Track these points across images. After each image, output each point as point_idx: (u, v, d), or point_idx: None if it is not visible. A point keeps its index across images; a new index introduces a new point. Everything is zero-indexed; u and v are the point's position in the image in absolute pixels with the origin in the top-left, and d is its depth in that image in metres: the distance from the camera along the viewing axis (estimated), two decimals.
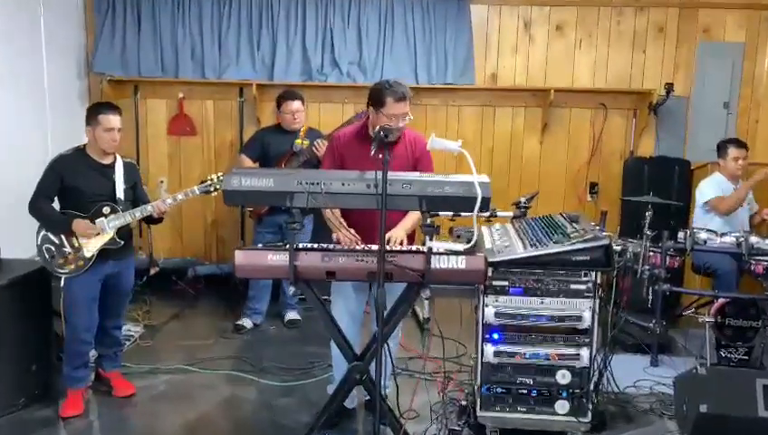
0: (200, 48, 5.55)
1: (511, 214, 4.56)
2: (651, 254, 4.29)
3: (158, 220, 3.58)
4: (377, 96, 3.12)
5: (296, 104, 4.61)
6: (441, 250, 2.65)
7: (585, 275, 3.01)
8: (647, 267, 4.22)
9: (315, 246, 2.84)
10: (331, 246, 2.85)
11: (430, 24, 5.49)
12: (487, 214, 2.98)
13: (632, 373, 3.96)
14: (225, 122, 5.77)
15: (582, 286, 3.02)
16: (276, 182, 2.48)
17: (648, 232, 4.22)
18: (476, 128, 5.74)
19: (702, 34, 5.58)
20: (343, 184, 2.48)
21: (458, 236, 4.70)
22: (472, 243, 2.62)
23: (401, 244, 3.02)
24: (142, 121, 5.78)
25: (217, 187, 3.56)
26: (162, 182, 5.65)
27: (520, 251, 3.02)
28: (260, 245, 2.97)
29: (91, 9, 5.59)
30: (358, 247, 2.82)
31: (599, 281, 3.04)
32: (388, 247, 2.91)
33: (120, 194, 3.50)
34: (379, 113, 3.10)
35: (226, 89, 5.68)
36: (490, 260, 2.92)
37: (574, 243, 2.93)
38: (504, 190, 5.65)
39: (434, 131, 2.83)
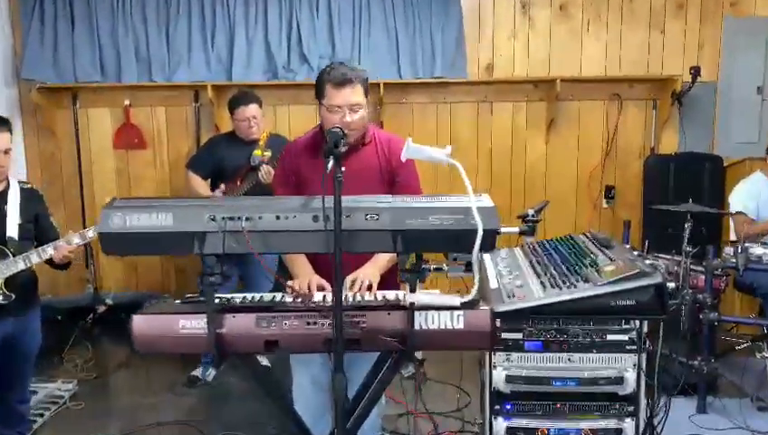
0: (145, 46, 4.75)
1: (516, 229, 3.78)
2: (691, 274, 3.49)
3: (64, 266, 2.77)
4: (317, 85, 2.35)
5: (251, 109, 3.81)
6: (428, 303, 1.84)
7: (627, 321, 2.22)
8: (688, 292, 3.42)
9: (251, 298, 2.04)
10: (278, 298, 2.06)
11: (413, 10, 4.69)
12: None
13: (675, 424, 3.16)
14: (179, 131, 4.97)
15: (623, 337, 2.22)
16: (178, 219, 1.67)
17: (688, 248, 3.42)
18: (471, 127, 4.94)
19: (729, 8, 4.78)
20: (278, 217, 1.67)
21: (454, 258, 3.92)
22: (472, 295, 1.80)
23: (369, 289, 2.22)
24: (83, 134, 4.98)
25: None
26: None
27: (538, 294, 2.20)
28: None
29: (17, 7, 4.79)
30: (312, 301, 2.02)
31: (645, 330, 2.24)
32: (351, 298, 2.12)
33: (11, 232, 2.69)
34: (323, 108, 2.33)
35: (179, 93, 4.88)
36: (499, 310, 2.11)
37: (613, 282, 2.13)
38: (505, 200, 4.86)
39: (410, 136, 2.02)
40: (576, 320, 2.23)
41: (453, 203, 1.71)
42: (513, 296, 2.23)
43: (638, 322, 2.22)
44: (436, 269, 3.85)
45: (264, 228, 1.68)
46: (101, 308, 4.68)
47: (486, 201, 1.72)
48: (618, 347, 2.23)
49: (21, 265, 2.63)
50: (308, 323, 1.83)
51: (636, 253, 2.47)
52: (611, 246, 2.50)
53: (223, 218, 1.66)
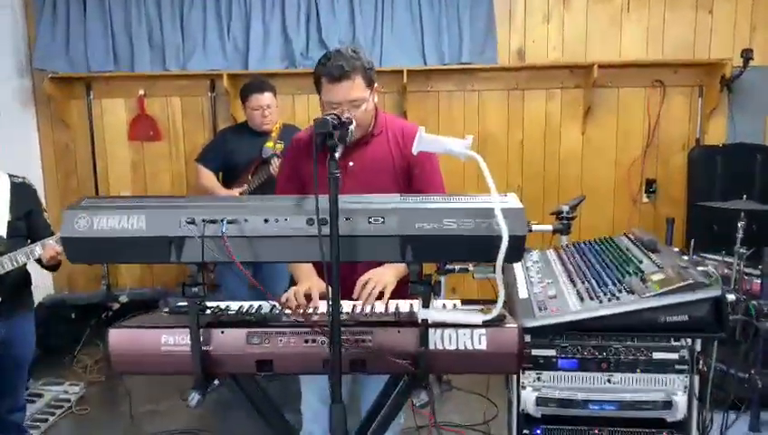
0: (159, 33, 4.55)
1: (550, 227, 3.50)
2: (746, 278, 3.16)
3: (53, 267, 2.58)
4: (314, 78, 2.11)
5: (266, 97, 3.59)
6: (445, 320, 1.58)
7: (676, 338, 1.93)
8: (740, 297, 3.09)
9: (248, 308, 1.81)
10: (274, 310, 1.82)
11: None
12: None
13: None
14: (195, 122, 4.77)
15: (672, 356, 1.93)
16: (152, 222, 1.44)
17: (741, 249, 3.09)
18: (501, 117, 4.63)
19: None
20: (267, 220, 1.43)
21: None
22: (495, 312, 1.53)
23: (381, 297, 1.97)
24: (97, 126, 4.81)
25: None
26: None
27: (575, 307, 1.92)
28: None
29: None
30: (309, 313, 1.77)
31: (698, 348, 1.94)
32: (357, 310, 1.87)
33: (1, 229, 2.51)
34: (322, 102, 2.09)
35: (194, 82, 4.67)
36: (529, 325, 1.84)
37: (663, 294, 1.83)
38: (537, 196, 4.55)
39: (436, 126, 1.76)
40: (617, 335, 1.94)
41: (473, 204, 1.44)
42: (546, 309, 1.95)
43: (689, 339, 1.92)
44: (462, 270, 3.60)
45: (251, 233, 1.43)
46: (115, 306, 4.51)
47: (513, 202, 1.44)
48: (666, 367, 1.94)
49: (8, 266, 2.45)
50: (306, 341, 1.59)
51: (686, 258, 2.17)
52: (657, 249, 2.20)
53: (203, 221, 1.42)
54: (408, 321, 1.62)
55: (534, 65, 4.53)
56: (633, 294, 1.89)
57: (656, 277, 1.94)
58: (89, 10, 4.53)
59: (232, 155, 3.63)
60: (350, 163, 2.20)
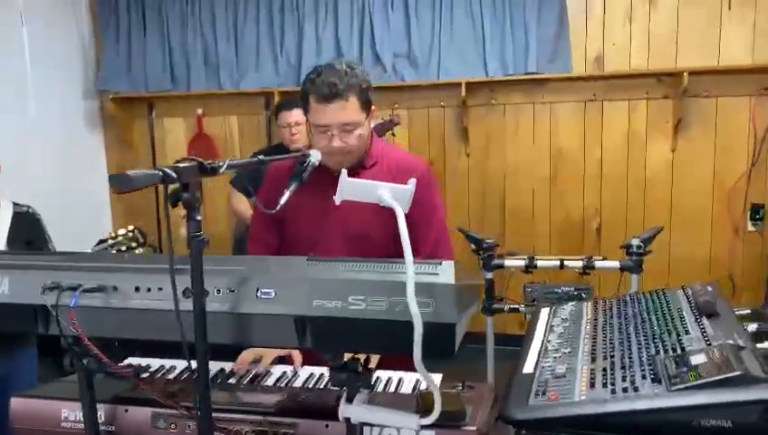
0: (214, 52, 4.46)
1: (616, 264, 3.00)
2: None
3: None
4: (300, 95, 1.79)
5: (293, 114, 3.34)
6: (373, 422, 1.21)
7: None
8: None
9: (180, 371, 1.54)
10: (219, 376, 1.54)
11: None
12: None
13: None
14: (252, 141, 4.64)
15: None
16: (15, 285, 1.20)
17: None
18: (577, 132, 4.11)
19: None
20: (138, 289, 1.14)
21: (532, 300, 3.18)
22: (433, 417, 1.13)
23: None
24: (159, 145, 4.81)
25: (122, 249, 2.37)
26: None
27: (579, 395, 1.48)
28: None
29: (98, 19, 4.71)
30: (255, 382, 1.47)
31: None
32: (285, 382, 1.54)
33: None
34: (308, 124, 1.78)
35: (250, 100, 4.55)
36: (517, 417, 1.42)
37: (697, 387, 1.36)
38: (618, 223, 4.00)
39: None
40: None
41: (390, 275, 1.07)
42: (544, 394, 1.52)
43: None
44: (512, 310, 3.16)
45: (119, 304, 1.15)
46: None
47: (445, 274, 1.06)
48: None
49: None
50: (219, 424, 1.29)
51: (752, 328, 1.65)
52: (715, 313, 1.70)
53: (61, 289, 1.16)
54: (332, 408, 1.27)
55: (615, 73, 3.98)
56: (660, 383, 1.42)
57: (696, 360, 1.46)
58: (148, 29, 4.53)
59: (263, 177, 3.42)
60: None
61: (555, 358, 1.70)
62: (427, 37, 4.08)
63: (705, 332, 1.60)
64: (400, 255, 1.86)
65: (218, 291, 1.10)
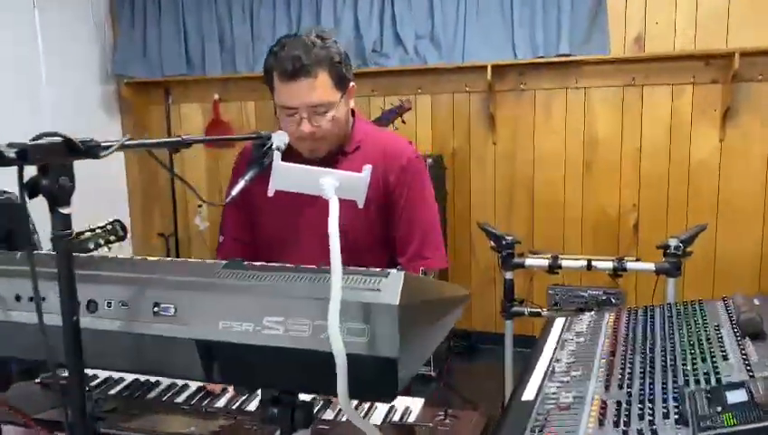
0: (230, 35, 4.27)
1: (651, 266, 2.70)
2: None
3: None
4: (264, 72, 1.56)
5: None
6: None
7: None
8: None
9: (141, 391, 1.33)
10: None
11: None
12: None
13: None
14: (269, 126, 4.34)
15: None
16: None
17: None
18: (614, 119, 3.77)
19: None
20: (19, 298, 0.92)
21: (555, 304, 2.89)
22: None
23: None
24: (175, 132, 4.66)
25: (100, 242, 2.19)
26: (201, 208, 4.49)
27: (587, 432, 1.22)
28: None
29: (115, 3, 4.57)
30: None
31: None
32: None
33: None
34: (275, 105, 1.55)
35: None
36: None
37: (735, 434, 1.08)
38: (658, 218, 3.66)
39: (280, 155, 1.16)
40: None
41: (324, 290, 0.82)
42: (541, 432, 1.26)
43: None
44: (533, 314, 2.88)
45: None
46: None
47: (389, 290, 0.80)
48: None
49: None
50: None
51: None
52: (761, 333, 1.42)
53: None
54: None
55: (657, 55, 3.62)
56: (686, 425, 1.15)
57: (734, 397, 1.18)
58: (163, 12, 4.37)
59: None
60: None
61: (562, 383, 1.44)
62: (452, 17, 3.79)
63: (747, 358, 1.31)
64: (391, 260, 1.61)
65: (109, 304, 0.87)
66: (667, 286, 2.68)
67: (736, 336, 1.42)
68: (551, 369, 1.50)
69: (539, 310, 2.82)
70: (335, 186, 0.93)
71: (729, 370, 1.28)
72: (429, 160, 3.60)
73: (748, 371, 1.27)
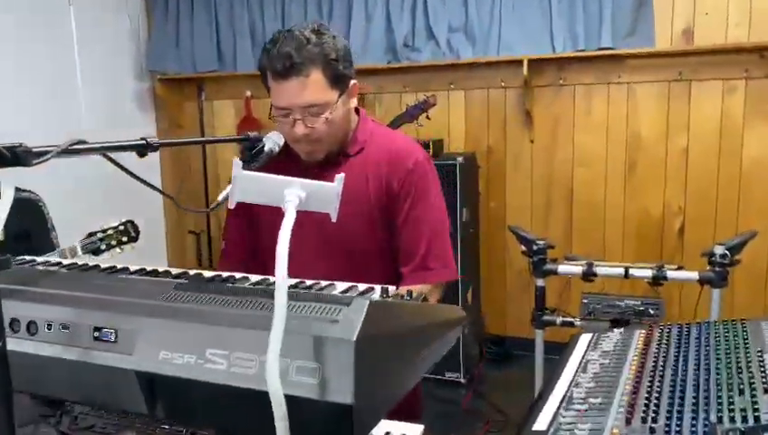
0: (261, 31, 4.20)
1: (694, 275, 2.50)
2: None
3: None
4: (259, 69, 1.46)
5: None
6: None
7: None
8: None
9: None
10: None
11: None
12: None
13: None
14: None
15: None
16: None
17: None
18: (659, 117, 3.56)
19: None
20: None
21: (588, 313, 2.71)
22: None
23: None
24: (208, 129, 4.64)
25: (112, 243, 2.14)
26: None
27: None
28: None
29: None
30: None
31: None
32: None
33: None
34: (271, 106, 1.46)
35: None
36: None
37: None
38: (706, 223, 3.44)
39: (236, 161, 1.06)
40: None
41: (271, 322, 0.71)
42: None
43: None
44: (566, 324, 2.71)
45: None
46: None
47: (348, 320, 0.68)
48: None
49: None
50: None
51: None
52: None
53: None
54: None
55: (707, 48, 3.38)
56: None
57: None
58: (196, 6, 4.33)
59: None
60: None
61: (579, 412, 1.29)
62: (486, 9, 3.63)
63: None
64: (396, 271, 1.49)
65: (49, 326, 0.79)
66: (711, 297, 2.49)
67: None
68: (569, 394, 1.36)
69: (572, 320, 2.66)
70: (301, 197, 0.82)
71: None
72: (460, 159, 3.47)
73: None
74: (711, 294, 2.49)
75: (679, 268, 2.53)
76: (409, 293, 0.86)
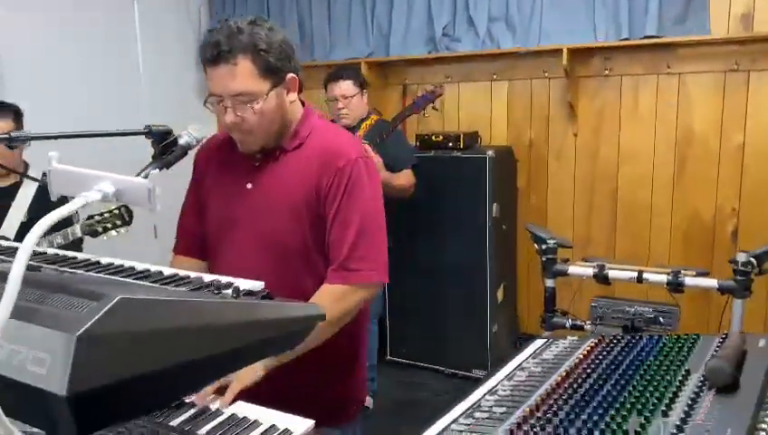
0: (309, 22, 4.26)
1: (714, 283, 2.32)
2: None
3: None
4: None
5: (341, 86, 3.04)
6: None
7: None
8: None
9: None
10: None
11: None
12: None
13: None
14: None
15: None
16: None
17: None
18: (713, 110, 3.29)
19: None
20: None
21: (597, 318, 2.56)
22: None
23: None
24: None
25: (108, 226, 2.26)
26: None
27: None
28: None
29: None
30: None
31: None
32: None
33: (7, 231, 2.44)
34: None
35: None
36: None
37: None
38: (762, 227, 3.16)
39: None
40: None
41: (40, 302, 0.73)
42: None
43: None
44: (575, 327, 2.58)
45: None
46: None
47: (79, 318, 0.68)
48: None
49: None
50: None
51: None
52: (730, 385, 1.15)
53: None
54: None
55: (766, 36, 3.09)
56: None
57: None
58: (250, 1, 4.46)
59: None
60: (249, 185, 1.56)
61: (474, 421, 1.26)
62: None
63: (689, 418, 1.06)
64: (325, 268, 1.49)
65: None
66: (733, 307, 2.28)
67: (702, 387, 1.15)
68: (478, 403, 1.31)
69: (582, 323, 2.52)
70: (110, 192, 0.83)
71: (659, 431, 1.03)
72: (490, 152, 3.37)
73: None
74: (732, 303, 2.28)
75: (699, 274, 2.34)
76: (268, 294, 0.87)
